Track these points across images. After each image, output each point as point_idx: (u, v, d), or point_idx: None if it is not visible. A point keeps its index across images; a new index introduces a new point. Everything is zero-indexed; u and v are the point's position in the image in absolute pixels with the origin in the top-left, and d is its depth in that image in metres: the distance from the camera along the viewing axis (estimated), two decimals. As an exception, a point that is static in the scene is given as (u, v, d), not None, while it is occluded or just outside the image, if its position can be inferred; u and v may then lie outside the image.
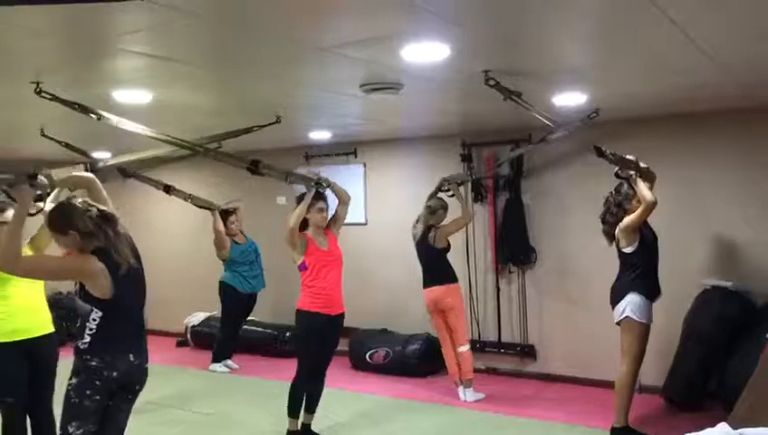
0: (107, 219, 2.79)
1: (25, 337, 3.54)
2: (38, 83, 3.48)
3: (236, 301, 6.47)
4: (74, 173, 3.17)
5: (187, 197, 6.34)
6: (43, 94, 3.54)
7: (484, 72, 3.49)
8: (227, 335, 6.62)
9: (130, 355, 2.85)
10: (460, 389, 5.37)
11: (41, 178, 2.69)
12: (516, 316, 6.09)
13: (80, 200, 2.83)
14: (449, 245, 5.45)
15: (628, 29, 2.89)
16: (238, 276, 6.44)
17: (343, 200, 4.51)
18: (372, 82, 3.79)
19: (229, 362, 6.56)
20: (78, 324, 2.82)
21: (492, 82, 3.55)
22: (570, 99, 4.38)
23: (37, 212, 2.79)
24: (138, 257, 2.92)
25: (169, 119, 4.77)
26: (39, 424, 3.68)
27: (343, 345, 6.51)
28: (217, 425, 4.93)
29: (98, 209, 2.80)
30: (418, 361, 6.08)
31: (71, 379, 2.79)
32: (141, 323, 3.04)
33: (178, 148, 4.28)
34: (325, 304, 4.30)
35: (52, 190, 2.85)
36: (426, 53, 3.14)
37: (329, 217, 4.47)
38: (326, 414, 4.75)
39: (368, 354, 6.29)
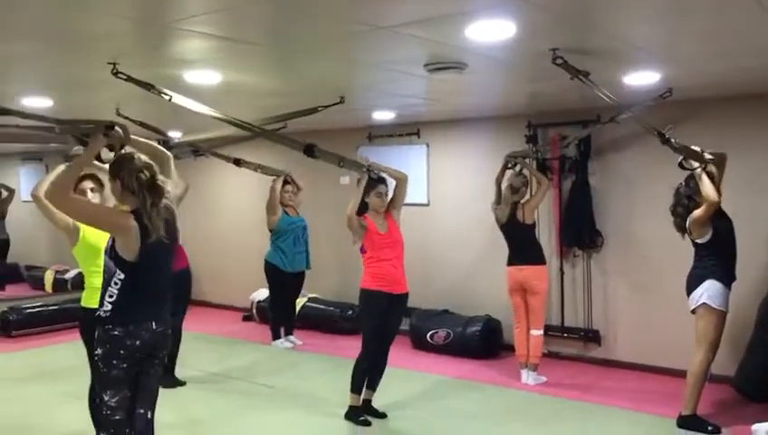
0: (152, 188, 2.82)
1: None
2: (114, 65, 3.61)
3: (280, 280, 6.56)
4: (153, 143, 3.25)
5: (257, 167, 6.48)
6: (119, 75, 3.67)
7: (551, 50, 3.41)
8: (276, 314, 6.76)
9: (152, 323, 2.89)
10: (524, 371, 5.33)
11: (117, 129, 2.84)
12: (581, 301, 5.98)
13: (143, 160, 2.88)
14: (535, 221, 5.41)
15: (709, 7, 2.76)
16: (280, 253, 6.50)
17: (400, 181, 4.53)
18: (436, 61, 3.76)
19: (292, 337, 6.71)
20: (102, 288, 2.89)
21: (559, 61, 3.47)
22: (641, 78, 4.23)
23: (104, 160, 2.93)
24: (171, 233, 2.94)
25: (237, 99, 4.88)
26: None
27: (404, 325, 6.56)
28: (280, 398, 5.06)
29: (150, 176, 2.83)
30: (479, 342, 6.07)
31: (96, 349, 2.85)
32: (164, 293, 3.03)
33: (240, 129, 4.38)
34: (387, 282, 4.35)
35: (124, 144, 2.94)
36: (491, 31, 3.09)
37: (388, 200, 4.49)
38: (386, 392, 4.81)
39: (428, 335, 6.32)
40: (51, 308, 7.49)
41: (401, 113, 6.20)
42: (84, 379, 3.74)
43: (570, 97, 4.95)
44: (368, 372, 4.46)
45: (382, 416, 4.52)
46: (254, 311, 7.78)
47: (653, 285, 5.54)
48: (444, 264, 6.74)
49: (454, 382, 5.42)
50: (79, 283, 6.31)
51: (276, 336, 6.67)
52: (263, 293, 7.71)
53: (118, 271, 2.82)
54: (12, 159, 10.07)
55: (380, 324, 4.39)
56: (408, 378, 5.50)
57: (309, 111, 4.92)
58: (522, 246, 5.34)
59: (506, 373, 5.50)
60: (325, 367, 5.80)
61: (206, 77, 4.10)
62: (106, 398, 2.81)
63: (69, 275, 8.65)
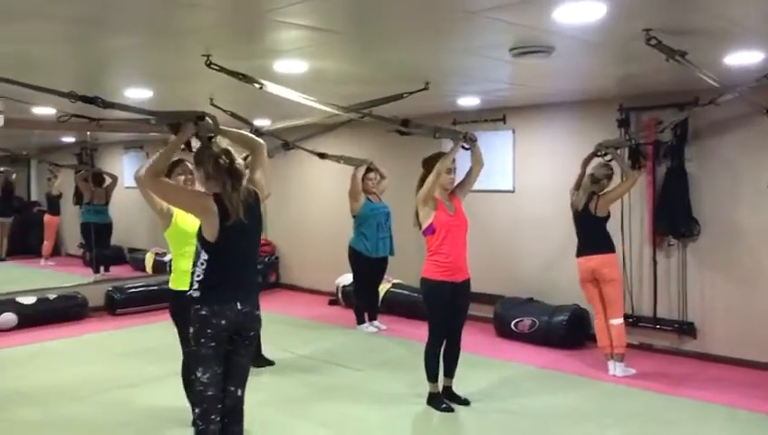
0: (231, 172, 2.94)
1: None
2: (208, 56, 3.76)
3: (363, 265, 6.64)
4: (244, 133, 3.38)
5: (339, 158, 6.59)
6: (212, 66, 3.82)
7: (644, 30, 3.26)
8: (361, 299, 6.86)
9: (237, 304, 2.98)
10: (610, 362, 5.19)
11: (207, 120, 3.00)
12: (675, 291, 5.74)
13: (221, 146, 3.01)
14: (609, 214, 5.23)
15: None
16: (363, 239, 6.58)
17: (479, 164, 4.49)
18: (522, 45, 3.69)
19: (376, 322, 6.80)
20: (192, 269, 3.03)
21: (653, 42, 3.32)
22: (744, 58, 3.98)
23: (194, 149, 3.09)
24: (251, 215, 3.01)
25: (322, 87, 4.96)
26: None
27: (488, 313, 6.54)
28: (365, 381, 5.16)
29: (229, 161, 2.94)
30: (566, 332, 5.94)
31: (190, 328, 2.99)
32: (249, 274, 3.12)
33: (330, 115, 4.45)
34: (450, 271, 4.32)
35: (214, 135, 3.08)
36: (580, 13, 2.99)
37: (455, 180, 4.45)
38: (469, 379, 4.80)
39: (513, 323, 6.25)
40: (151, 288, 7.94)
41: (486, 99, 6.12)
42: (180, 357, 3.96)
43: (664, 79, 4.73)
44: (438, 360, 4.46)
45: (465, 402, 4.52)
46: (340, 295, 7.94)
47: (755, 276, 5.24)
48: (529, 251, 6.63)
49: (539, 372, 5.35)
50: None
51: (361, 321, 6.78)
52: (348, 278, 7.84)
53: (203, 252, 2.96)
54: (116, 147, 10.66)
55: (446, 313, 4.37)
56: (490, 366, 5.47)
57: (394, 97, 4.94)
58: (588, 236, 5.20)
59: (593, 364, 5.37)
60: (408, 352, 5.85)
61: (293, 66, 4.20)
62: (198, 374, 2.95)
63: (167, 258, 9.07)
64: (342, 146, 7.06)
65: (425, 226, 4.36)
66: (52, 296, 7.35)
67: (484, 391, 4.82)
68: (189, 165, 3.66)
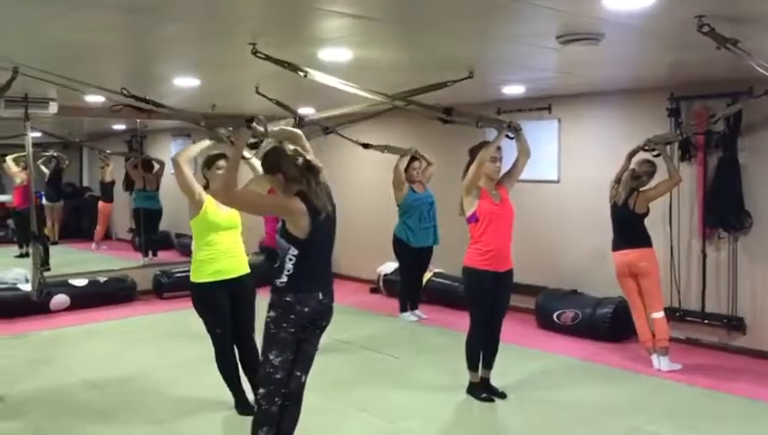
0: (311, 168, 3.04)
1: (227, 277, 3.99)
2: (254, 45, 3.80)
3: (407, 254, 6.65)
4: (284, 127, 3.46)
5: (384, 148, 6.59)
6: (258, 54, 3.86)
7: (697, 17, 3.17)
8: (404, 287, 6.87)
9: (319, 294, 3.11)
10: (654, 356, 5.10)
11: (256, 124, 3.05)
12: (724, 285, 5.59)
13: (291, 148, 3.10)
14: (648, 210, 5.12)
15: None
16: (406, 229, 6.58)
17: (525, 153, 4.43)
18: (570, 33, 3.62)
19: (417, 311, 6.82)
20: (277, 264, 3.11)
21: (705, 29, 3.22)
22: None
23: (248, 158, 3.14)
24: (333, 206, 3.15)
25: (366, 76, 4.97)
26: (244, 350, 4.16)
27: (530, 304, 6.49)
28: (404, 368, 5.18)
29: (305, 159, 3.05)
30: (610, 325, 5.85)
31: (269, 312, 3.10)
32: (330, 265, 3.29)
33: (374, 103, 4.46)
34: (493, 261, 4.28)
35: (264, 137, 3.14)
36: (630, -1, 2.93)
37: (501, 169, 4.41)
38: (508, 370, 4.78)
39: (555, 315, 6.19)
40: (196, 273, 8.11)
41: (532, 87, 6.04)
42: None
43: (717, 67, 4.59)
44: (480, 350, 4.45)
45: (502, 395, 4.50)
46: (381, 283, 7.98)
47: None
48: (573, 243, 6.55)
49: (581, 364, 5.29)
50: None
51: (404, 309, 6.81)
52: (389, 266, 7.88)
53: (291, 248, 3.04)
54: (164, 134, 10.89)
55: (488, 304, 4.34)
56: (531, 357, 5.43)
57: (437, 85, 4.92)
58: (624, 230, 5.12)
59: (637, 358, 5.28)
60: (448, 341, 5.86)
61: (338, 55, 4.22)
62: (271, 357, 3.05)
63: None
64: (385, 133, 7.06)
65: (468, 214, 4.34)
66: (102, 279, 7.59)
67: (524, 382, 4.80)
68: (225, 161, 3.74)
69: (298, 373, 3.17)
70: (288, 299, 3.04)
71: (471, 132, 5.10)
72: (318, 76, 4.02)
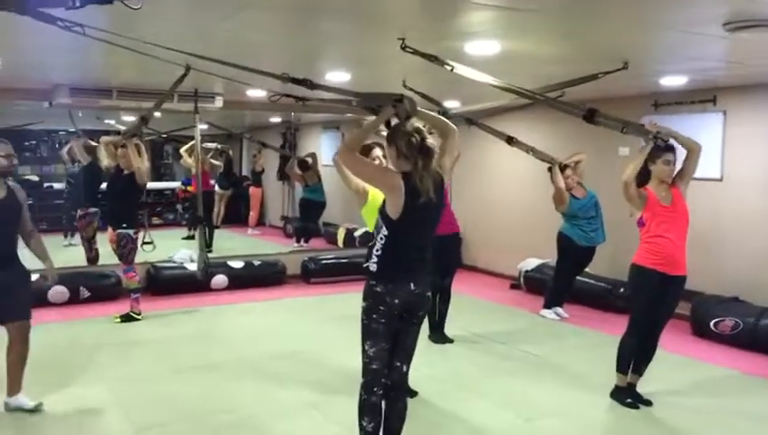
0: (423, 151, 2.94)
1: None
2: (403, 39, 3.89)
3: (573, 253, 6.45)
4: (437, 115, 3.44)
5: (529, 149, 6.43)
6: (406, 49, 3.94)
7: None
8: (560, 284, 6.70)
9: (411, 284, 3.01)
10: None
11: (404, 102, 3.06)
12: None
13: (414, 125, 3.03)
14: None
15: None
16: (577, 229, 6.39)
17: (693, 152, 4.13)
18: (739, 19, 3.35)
19: (560, 309, 6.64)
20: (371, 243, 3.08)
21: None
22: None
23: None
24: (439, 196, 3.03)
25: (513, 68, 4.91)
26: None
27: (684, 310, 6.09)
28: (542, 367, 5.08)
29: (421, 139, 2.95)
30: (776, 337, 5.36)
31: (363, 301, 3.07)
32: (425, 255, 3.12)
33: (519, 97, 4.39)
34: (663, 261, 4.05)
35: (410, 117, 3.15)
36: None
37: (675, 170, 4.15)
38: (656, 377, 4.53)
39: (713, 322, 5.76)
40: (341, 261, 8.46)
41: (694, 78, 5.64)
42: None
43: None
44: (634, 354, 4.25)
45: (647, 403, 4.27)
46: (522, 280, 7.84)
47: None
48: (737, 246, 6.05)
49: (740, 378, 4.89)
50: (365, 241, 6.96)
51: (548, 305, 6.67)
52: (532, 262, 7.73)
53: (383, 227, 3.00)
54: (315, 127, 11.42)
55: (651, 306, 4.11)
56: (684, 366, 5.11)
57: (588, 77, 4.76)
58: None
59: (808, 376, 4.80)
60: (590, 343, 5.65)
61: (485, 47, 4.20)
62: (366, 347, 3.06)
63: (357, 233, 9.61)
64: (534, 125, 6.92)
65: (636, 218, 4.16)
66: (256, 263, 8.12)
67: (672, 391, 4.53)
68: (380, 150, 3.80)
69: (398, 363, 3.13)
70: (378, 289, 2.99)
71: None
72: (464, 70, 4.03)
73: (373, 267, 3.01)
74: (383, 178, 3.05)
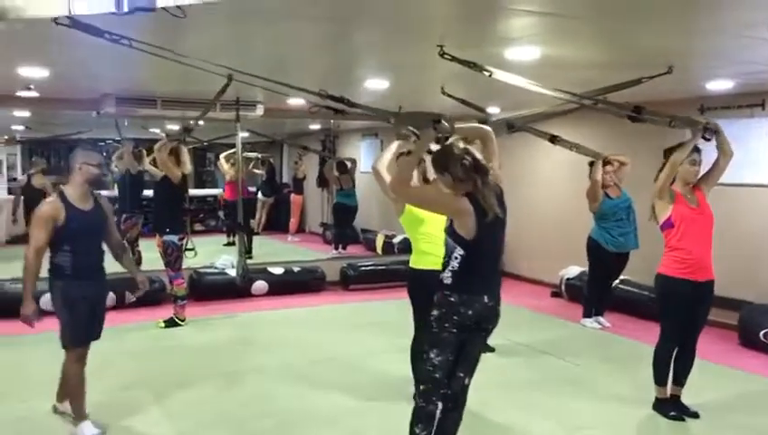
0: (478, 169, 2.96)
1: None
2: (441, 46, 3.89)
3: (602, 258, 6.32)
4: (473, 125, 3.44)
5: (573, 146, 6.34)
6: (445, 56, 3.94)
7: None
8: (592, 292, 6.58)
9: (485, 297, 3.03)
10: None
11: (443, 123, 3.05)
12: None
13: (460, 147, 3.03)
14: None
15: None
16: (605, 233, 6.25)
17: (727, 154, 4.02)
18: (790, 21, 3.26)
19: (601, 318, 6.52)
20: (444, 259, 3.08)
21: None
22: None
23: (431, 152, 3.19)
24: (503, 208, 3.04)
25: (554, 74, 4.85)
26: None
27: (732, 319, 5.93)
28: (586, 376, 4.99)
29: (473, 158, 2.96)
30: (830, 349, 5.17)
31: (432, 310, 3.07)
32: (498, 268, 3.18)
33: (561, 102, 4.34)
34: (692, 269, 3.95)
35: (450, 136, 3.15)
36: None
37: (700, 172, 4.05)
38: (703, 389, 4.41)
39: (762, 333, 5.57)
40: (380, 268, 8.46)
41: (742, 82, 5.49)
42: (406, 334, 4.18)
43: None
44: (669, 364, 4.14)
45: (694, 415, 4.15)
46: (563, 288, 7.73)
47: None
48: (787, 254, 5.86)
49: (791, 391, 4.73)
50: (404, 247, 6.96)
51: (587, 314, 6.55)
52: (573, 270, 7.61)
53: (458, 248, 3.01)
54: (354, 134, 11.48)
55: (682, 315, 4.02)
56: (731, 377, 4.96)
57: (631, 83, 4.67)
58: None
59: None
60: (633, 352, 5.53)
61: (525, 53, 4.17)
62: (431, 355, 3.05)
63: (396, 240, 9.62)
64: (574, 132, 6.81)
65: (662, 219, 4.05)
66: (296, 269, 8.19)
67: (720, 403, 4.39)
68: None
69: (461, 374, 3.12)
70: (452, 299, 3.01)
71: (670, 130, 4.76)
72: (503, 76, 4.00)
73: (448, 280, 3.04)
74: (450, 205, 3.05)
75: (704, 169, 4.12)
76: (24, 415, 4.11)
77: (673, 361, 4.18)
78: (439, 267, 3.34)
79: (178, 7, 1.61)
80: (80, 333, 3.70)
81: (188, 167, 6.47)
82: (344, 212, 10.26)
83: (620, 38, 3.86)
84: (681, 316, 4.04)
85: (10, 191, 10.76)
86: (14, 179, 11.16)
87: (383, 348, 5.58)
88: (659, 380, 4.20)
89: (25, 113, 7.98)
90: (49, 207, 3.61)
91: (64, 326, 3.66)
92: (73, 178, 3.70)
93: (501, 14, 3.32)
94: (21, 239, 10.39)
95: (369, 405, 4.35)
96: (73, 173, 3.70)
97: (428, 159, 3.25)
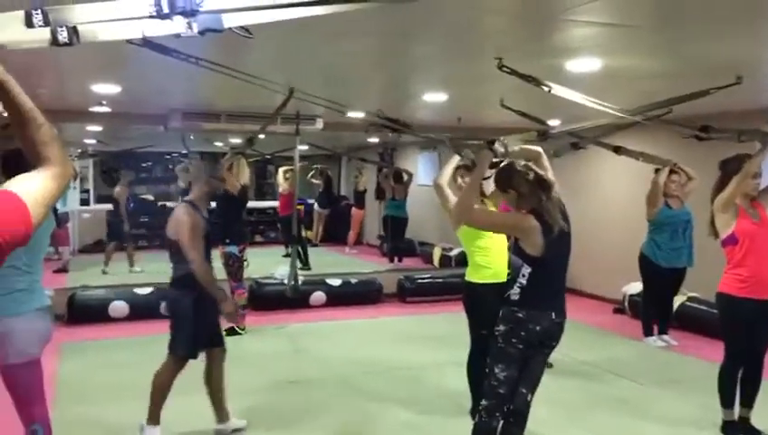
0: (542, 184, 2.98)
1: (500, 280, 4.01)
2: (500, 59, 3.87)
3: (653, 273, 6.12)
4: (524, 146, 3.43)
5: (639, 155, 6.17)
6: (503, 69, 3.91)
7: None
8: (648, 309, 6.39)
9: (552, 313, 3.01)
10: None
11: (498, 145, 3.06)
12: None
13: (522, 164, 3.07)
14: None
15: None
16: (654, 247, 6.06)
17: None
18: None
19: (666, 336, 6.30)
20: (509, 277, 3.09)
21: None
22: None
23: (488, 177, 3.18)
24: (568, 222, 3.03)
25: (616, 85, 4.77)
26: None
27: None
28: (649, 397, 4.84)
29: (536, 174, 3.00)
30: None
31: (498, 325, 3.05)
32: (564, 283, 3.15)
33: (622, 116, 4.25)
34: (755, 288, 3.79)
35: (505, 158, 3.16)
36: None
37: (761, 186, 3.90)
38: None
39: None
40: (437, 281, 8.44)
41: (817, 92, 5.26)
42: (463, 347, 4.15)
43: None
44: (735, 385, 3.98)
45: (765, 438, 3.97)
46: (626, 304, 7.52)
47: None
48: None
49: None
50: (461, 260, 6.93)
51: (648, 333, 6.35)
52: (636, 286, 7.39)
53: (525, 265, 3.00)
54: (412, 147, 11.52)
55: (746, 335, 3.86)
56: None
57: (697, 94, 4.49)
58: None
59: None
60: (700, 373, 5.31)
61: (586, 64, 4.12)
62: (496, 370, 3.04)
63: (453, 253, 9.57)
64: (637, 143, 6.65)
65: (724, 235, 3.91)
66: (354, 280, 8.25)
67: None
68: (465, 170, 3.80)
69: (524, 390, 3.08)
70: (520, 315, 3.00)
71: (732, 144, 4.59)
72: (561, 91, 3.94)
73: (516, 296, 3.04)
74: (518, 225, 3.07)
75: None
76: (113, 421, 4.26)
77: (740, 382, 4.01)
78: (495, 281, 3.32)
79: (245, 28, 1.67)
80: (197, 345, 3.78)
81: (246, 178, 6.60)
82: (394, 223, 10.28)
83: (685, 48, 3.76)
84: (745, 336, 3.89)
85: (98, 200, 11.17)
86: (87, 191, 11.65)
87: (440, 361, 5.55)
88: (726, 402, 4.03)
89: (98, 128, 8.35)
90: (194, 218, 3.64)
91: (185, 337, 3.70)
92: (200, 188, 3.78)
93: (560, 26, 3.28)
94: (91, 248, 10.90)
95: (426, 419, 4.34)
96: (199, 184, 3.79)
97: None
